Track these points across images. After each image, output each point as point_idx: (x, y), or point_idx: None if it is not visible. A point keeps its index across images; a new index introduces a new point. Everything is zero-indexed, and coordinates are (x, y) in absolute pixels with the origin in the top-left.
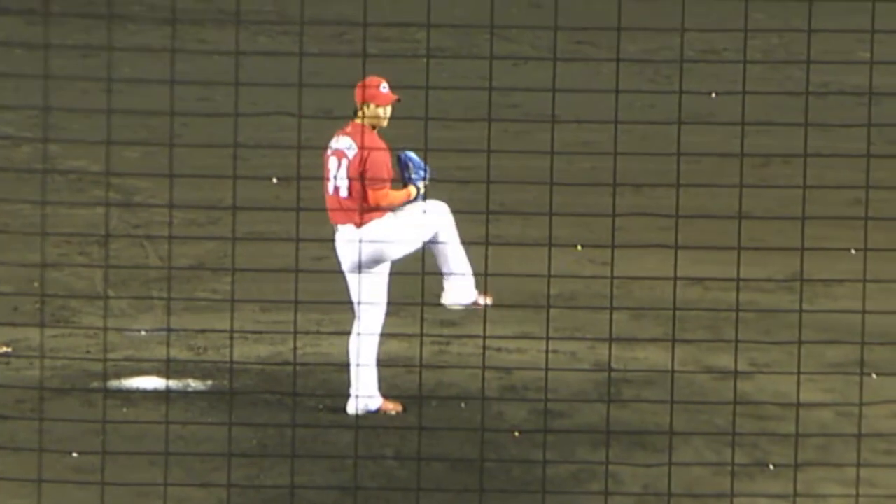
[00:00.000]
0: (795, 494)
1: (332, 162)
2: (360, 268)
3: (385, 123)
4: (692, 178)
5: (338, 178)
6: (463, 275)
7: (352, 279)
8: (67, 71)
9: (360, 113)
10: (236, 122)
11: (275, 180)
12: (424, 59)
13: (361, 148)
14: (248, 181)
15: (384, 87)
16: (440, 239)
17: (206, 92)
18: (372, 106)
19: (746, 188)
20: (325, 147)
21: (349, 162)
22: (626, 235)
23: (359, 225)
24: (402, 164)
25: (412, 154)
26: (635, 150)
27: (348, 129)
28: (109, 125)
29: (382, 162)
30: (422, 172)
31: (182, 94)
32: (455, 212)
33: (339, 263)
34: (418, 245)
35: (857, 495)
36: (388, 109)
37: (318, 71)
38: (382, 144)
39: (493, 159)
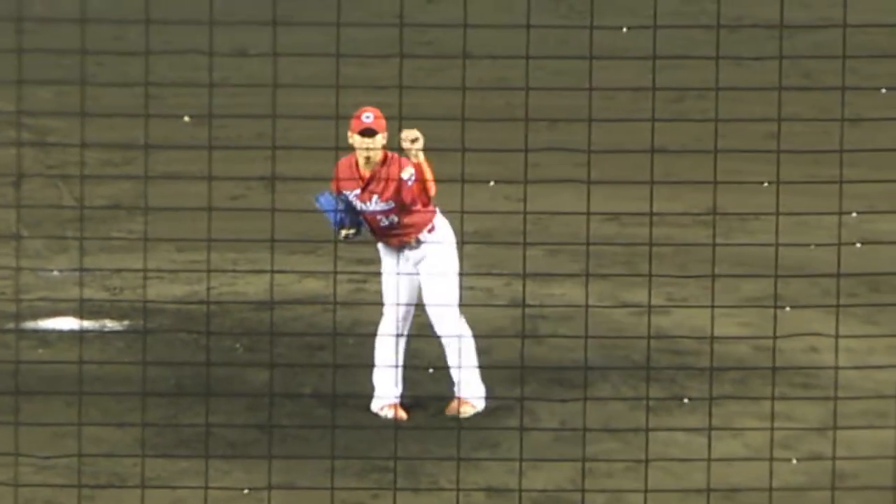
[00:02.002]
0: (711, 428)
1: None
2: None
3: (371, 154)
4: (606, 114)
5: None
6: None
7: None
8: None
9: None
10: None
11: (187, 119)
12: None
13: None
14: (161, 120)
15: (366, 117)
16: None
17: (118, 31)
18: (352, 136)
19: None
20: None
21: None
22: (541, 171)
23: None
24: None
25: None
26: (548, 86)
27: None
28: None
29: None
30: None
31: (94, 33)
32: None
33: None
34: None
35: (773, 429)
36: (376, 140)
37: (230, 9)
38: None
39: (406, 96)
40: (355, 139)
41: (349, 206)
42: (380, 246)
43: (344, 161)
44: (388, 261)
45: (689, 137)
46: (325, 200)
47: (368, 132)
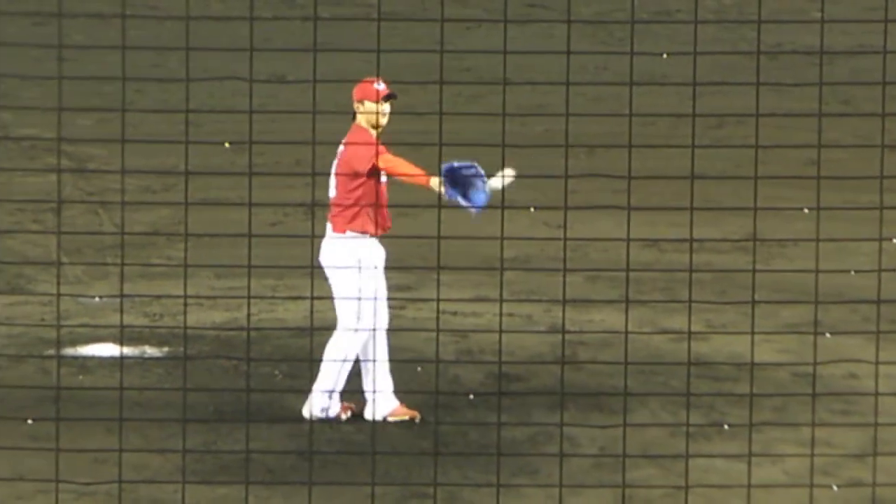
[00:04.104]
0: (751, 454)
1: (333, 166)
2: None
3: (384, 121)
4: (645, 140)
5: (331, 179)
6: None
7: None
8: (18, 38)
9: (355, 116)
10: (188, 87)
11: (227, 145)
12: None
13: (345, 145)
14: (201, 147)
15: (379, 85)
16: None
17: (158, 58)
18: (367, 103)
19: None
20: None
21: (337, 161)
22: (580, 198)
23: (336, 229)
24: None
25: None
26: (588, 112)
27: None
28: (61, 92)
29: (360, 155)
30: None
31: (134, 59)
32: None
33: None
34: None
35: (813, 455)
36: (386, 106)
37: (270, 36)
38: (368, 139)
39: (445, 123)
40: (376, 107)
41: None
42: (361, 236)
43: (358, 135)
44: (363, 252)
45: (729, 164)
46: (478, 197)
47: (391, 97)
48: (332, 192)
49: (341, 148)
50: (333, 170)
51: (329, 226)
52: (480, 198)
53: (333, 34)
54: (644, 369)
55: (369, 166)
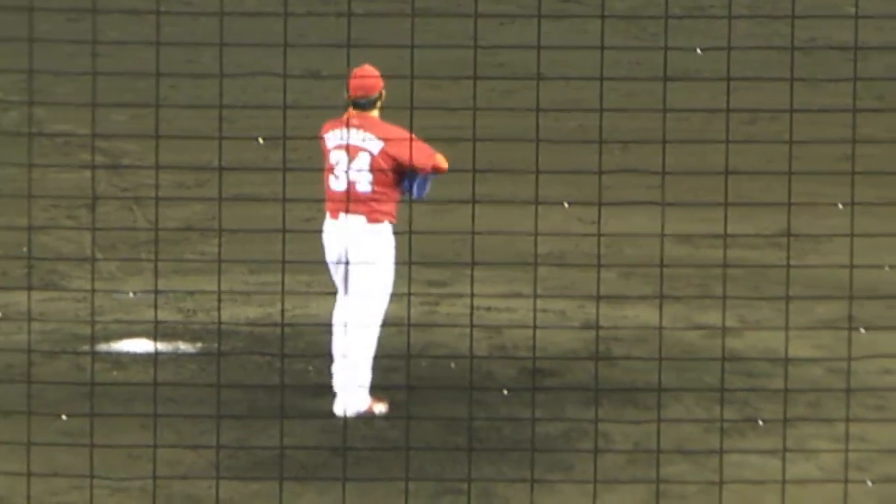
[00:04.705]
0: (785, 450)
1: (339, 156)
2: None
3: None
4: (679, 135)
5: (351, 173)
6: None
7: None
8: (53, 34)
9: (378, 103)
10: (222, 82)
11: (261, 141)
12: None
13: (390, 140)
14: (235, 142)
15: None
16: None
17: (191, 53)
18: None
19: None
20: (319, 139)
21: (372, 156)
22: (614, 193)
23: (371, 220)
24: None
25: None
26: (622, 108)
27: (353, 121)
28: (95, 88)
29: (423, 152)
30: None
31: (168, 55)
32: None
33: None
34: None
35: (847, 450)
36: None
37: (303, 31)
38: (405, 133)
39: (479, 118)
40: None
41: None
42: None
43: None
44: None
45: (763, 159)
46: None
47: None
48: (366, 188)
49: (364, 140)
50: (359, 164)
51: (359, 218)
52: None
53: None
54: (678, 365)
55: (430, 164)
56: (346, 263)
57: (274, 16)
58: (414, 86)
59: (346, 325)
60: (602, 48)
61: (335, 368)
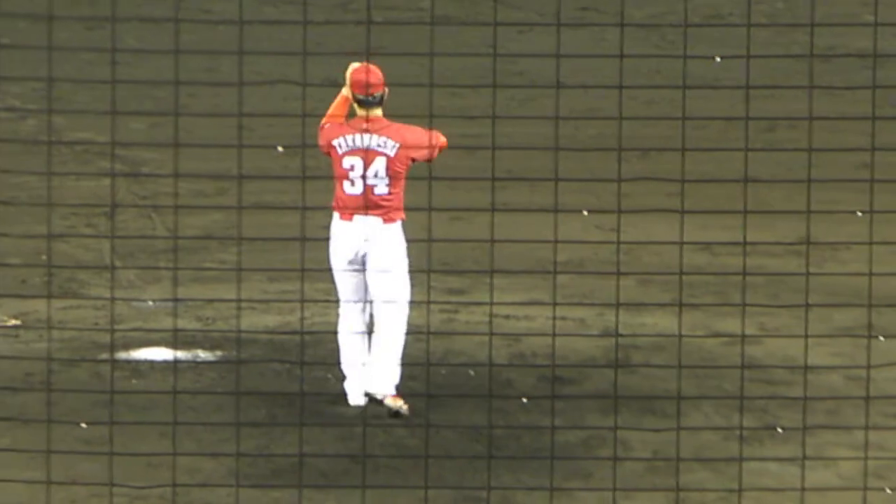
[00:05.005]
0: (804, 458)
1: (354, 161)
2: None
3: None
4: (698, 143)
5: (368, 178)
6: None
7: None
8: (72, 42)
9: (383, 102)
10: (241, 91)
11: (280, 149)
12: (429, 27)
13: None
14: (254, 151)
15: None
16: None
17: (211, 62)
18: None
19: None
20: (320, 146)
21: (389, 158)
22: (633, 201)
23: (387, 220)
24: None
25: None
26: (640, 116)
27: (363, 125)
28: (114, 96)
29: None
30: None
31: (187, 64)
32: (461, 179)
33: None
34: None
35: (866, 458)
36: None
37: (322, 40)
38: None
39: (498, 126)
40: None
41: None
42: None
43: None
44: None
45: (782, 167)
46: None
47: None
48: (384, 191)
49: (380, 145)
50: (383, 167)
51: (376, 220)
52: None
53: (387, 38)
54: (697, 373)
55: (439, 149)
56: (363, 267)
57: (293, 24)
58: (433, 94)
59: (366, 329)
60: (621, 56)
61: (349, 374)
